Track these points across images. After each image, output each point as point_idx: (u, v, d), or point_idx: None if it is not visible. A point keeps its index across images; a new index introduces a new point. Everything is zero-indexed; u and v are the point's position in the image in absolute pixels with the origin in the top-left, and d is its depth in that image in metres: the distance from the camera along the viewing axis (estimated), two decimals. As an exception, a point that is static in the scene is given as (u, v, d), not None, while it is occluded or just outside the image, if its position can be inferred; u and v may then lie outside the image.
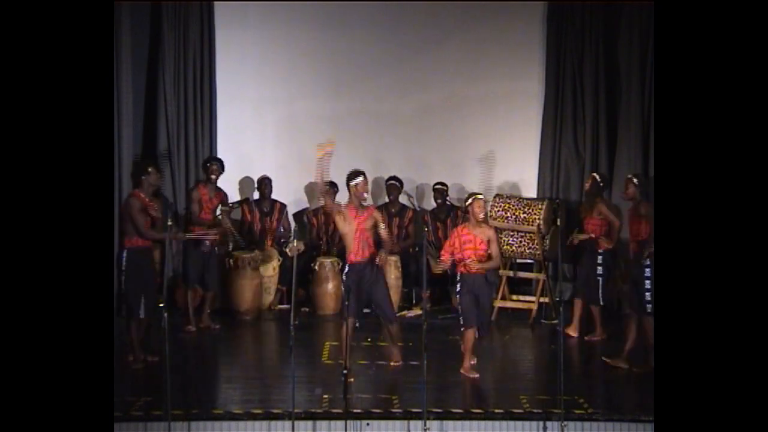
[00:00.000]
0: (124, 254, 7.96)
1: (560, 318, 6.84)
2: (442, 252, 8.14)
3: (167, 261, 9.56)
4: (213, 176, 9.71)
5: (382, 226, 8.06)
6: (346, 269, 7.97)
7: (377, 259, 7.96)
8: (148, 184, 8.13)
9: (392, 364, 8.19)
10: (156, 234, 8.09)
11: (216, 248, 9.69)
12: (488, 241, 7.96)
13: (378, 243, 8.14)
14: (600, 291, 9.15)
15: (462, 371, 7.93)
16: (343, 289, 7.94)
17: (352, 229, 7.91)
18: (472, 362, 7.99)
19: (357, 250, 7.91)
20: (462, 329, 7.94)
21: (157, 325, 8.91)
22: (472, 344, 7.94)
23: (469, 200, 8.01)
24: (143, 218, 7.96)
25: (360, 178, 7.91)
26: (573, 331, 9.29)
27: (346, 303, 7.63)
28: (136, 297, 7.94)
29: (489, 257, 7.97)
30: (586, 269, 9.32)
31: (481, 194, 8.16)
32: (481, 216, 7.98)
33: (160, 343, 6.53)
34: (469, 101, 11.19)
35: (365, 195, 7.98)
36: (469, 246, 7.93)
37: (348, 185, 7.96)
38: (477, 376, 7.90)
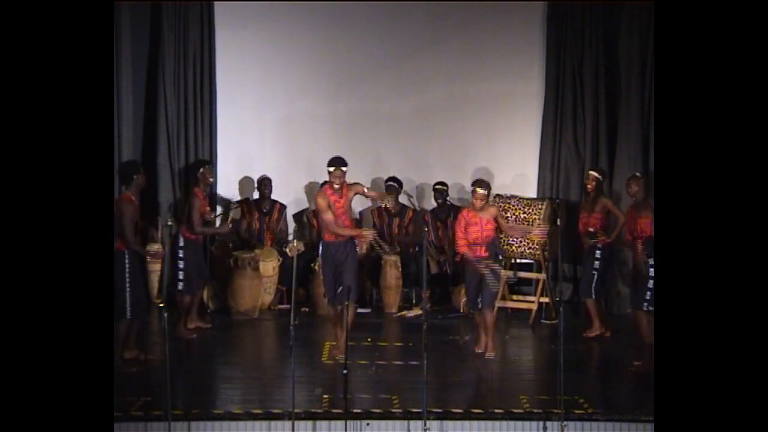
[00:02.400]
0: (127, 256, 7.91)
1: (560, 318, 6.83)
2: (458, 246, 8.52)
3: (167, 262, 9.54)
4: (210, 180, 9.64)
5: (365, 190, 8.48)
6: (321, 248, 8.32)
7: (367, 236, 8.58)
8: (136, 185, 8.07)
9: (338, 357, 8.22)
10: (139, 247, 8.06)
11: (213, 248, 9.70)
12: (495, 219, 8.42)
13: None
14: (593, 285, 9.19)
15: (485, 351, 8.42)
16: (322, 274, 8.32)
17: (332, 211, 8.15)
18: (492, 354, 8.44)
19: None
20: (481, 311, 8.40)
21: (147, 326, 9.01)
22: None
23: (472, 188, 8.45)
24: (133, 226, 7.90)
25: (332, 168, 8.17)
26: (597, 330, 9.30)
27: (339, 289, 8.08)
28: (133, 300, 7.92)
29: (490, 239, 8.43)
30: (585, 265, 9.36)
31: (480, 183, 8.44)
32: (479, 204, 8.35)
33: (160, 343, 6.52)
34: (469, 101, 11.18)
35: (338, 183, 8.15)
36: (474, 228, 8.28)
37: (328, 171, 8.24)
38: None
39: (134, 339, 8.16)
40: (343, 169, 8.16)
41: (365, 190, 8.49)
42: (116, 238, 7.78)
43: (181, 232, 9.11)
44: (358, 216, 10.90)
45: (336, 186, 8.16)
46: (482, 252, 8.32)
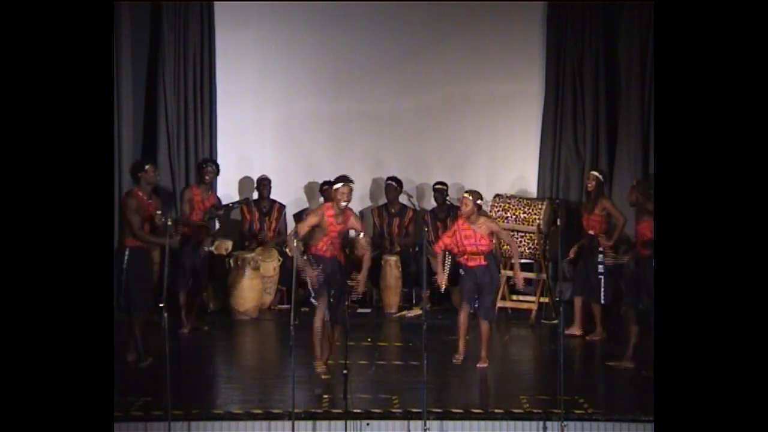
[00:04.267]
0: (126, 253, 7.93)
1: (560, 318, 6.83)
2: (435, 246, 8.40)
3: (167, 261, 9.53)
4: (207, 177, 9.66)
5: (361, 235, 7.93)
6: (309, 257, 7.73)
7: (356, 288, 8.16)
8: (145, 182, 8.12)
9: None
10: (150, 238, 8.03)
11: (208, 250, 9.72)
12: (490, 234, 8.17)
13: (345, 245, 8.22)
14: (602, 289, 9.17)
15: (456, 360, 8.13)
16: (315, 281, 7.67)
17: (323, 231, 7.76)
18: (484, 365, 8.14)
19: (322, 247, 7.79)
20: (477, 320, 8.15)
21: (154, 325, 8.99)
22: (465, 327, 8.18)
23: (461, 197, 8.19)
24: (139, 219, 7.94)
25: (340, 185, 7.72)
26: (576, 330, 9.29)
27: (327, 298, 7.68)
28: (135, 297, 7.94)
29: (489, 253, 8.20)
30: (586, 267, 9.33)
31: (468, 191, 8.19)
32: (466, 212, 8.06)
33: (160, 343, 6.52)
34: (469, 101, 11.19)
35: (343, 203, 7.77)
36: (469, 241, 8.10)
37: (332, 188, 7.90)
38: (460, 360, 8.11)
39: (141, 337, 8.17)
40: (352, 186, 7.78)
41: (361, 236, 7.98)
42: (123, 236, 7.85)
43: (181, 231, 9.14)
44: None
45: (339, 205, 7.75)
46: (482, 261, 8.16)
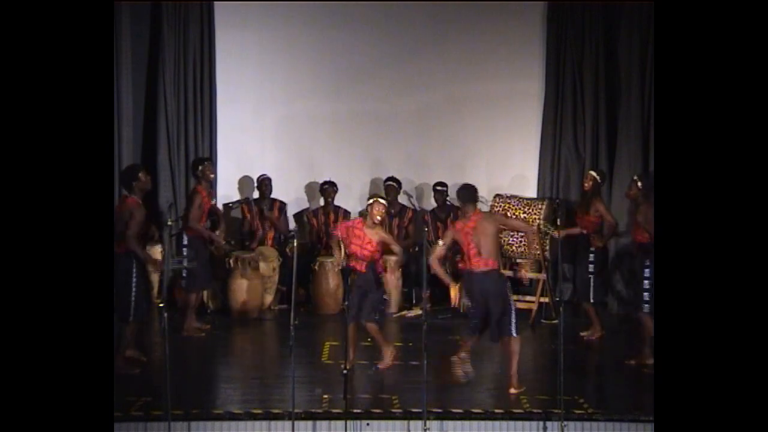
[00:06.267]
0: (132, 258, 7.90)
1: (560, 318, 6.83)
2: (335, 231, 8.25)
3: (167, 262, 9.52)
4: (211, 176, 9.65)
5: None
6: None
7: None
8: (139, 189, 8.02)
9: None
10: (144, 253, 7.99)
11: (213, 248, 9.73)
12: (379, 243, 7.90)
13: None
14: (591, 289, 9.19)
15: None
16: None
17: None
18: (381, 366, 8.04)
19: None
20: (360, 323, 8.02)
21: (149, 327, 9.00)
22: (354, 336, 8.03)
23: (370, 200, 7.95)
24: (139, 229, 7.88)
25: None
26: (597, 333, 9.29)
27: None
28: (131, 300, 7.91)
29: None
30: (579, 268, 9.37)
31: (375, 195, 8.08)
32: (378, 219, 7.87)
33: (160, 344, 6.52)
34: (469, 101, 11.19)
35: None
36: (356, 242, 7.91)
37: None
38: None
39: (134, 340, 8.16)
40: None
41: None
42: (124, 241, 7.78)
43: (185, 230, 9.16)
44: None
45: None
46: (362, 267, 7.94)
